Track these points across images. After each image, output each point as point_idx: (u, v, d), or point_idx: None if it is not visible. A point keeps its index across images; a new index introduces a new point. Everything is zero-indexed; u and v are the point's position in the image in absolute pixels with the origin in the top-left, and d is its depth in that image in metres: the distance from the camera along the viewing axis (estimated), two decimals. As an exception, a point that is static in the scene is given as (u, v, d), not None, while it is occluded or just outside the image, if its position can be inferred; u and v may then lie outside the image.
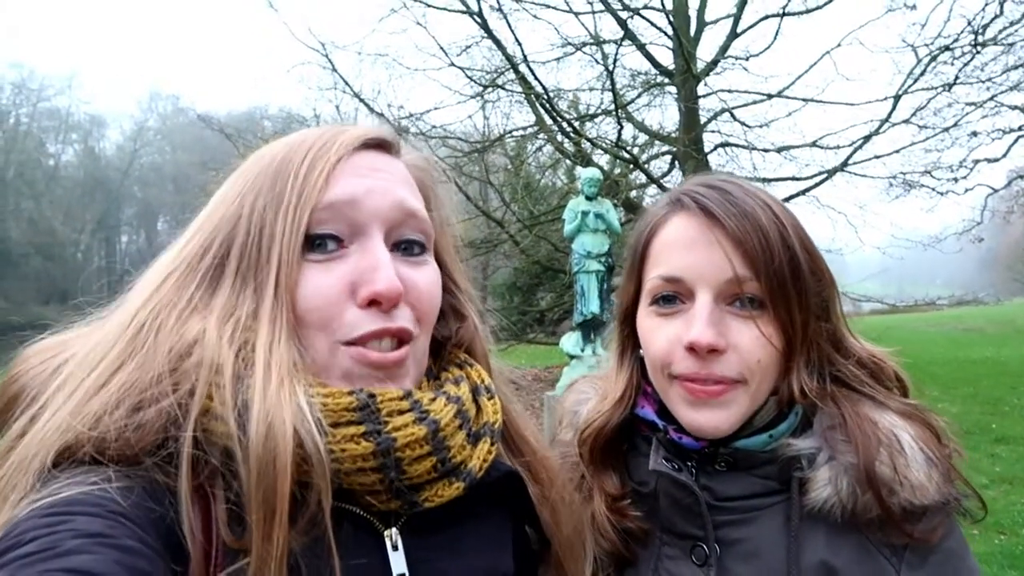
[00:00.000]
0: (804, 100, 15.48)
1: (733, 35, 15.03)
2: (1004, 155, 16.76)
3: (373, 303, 0.89)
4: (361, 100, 14.32)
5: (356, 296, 0.89)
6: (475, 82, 14.61)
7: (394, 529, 0.89)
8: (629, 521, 1.19)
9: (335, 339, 0.89)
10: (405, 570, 0.88)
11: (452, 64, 14.20)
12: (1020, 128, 16.64)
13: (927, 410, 1.17)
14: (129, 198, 64.81)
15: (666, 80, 15.32)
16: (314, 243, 0.90)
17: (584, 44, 15.16)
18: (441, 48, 13.97)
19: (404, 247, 0.96)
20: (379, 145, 1.00)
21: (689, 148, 13.94)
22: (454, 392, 0.96)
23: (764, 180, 15.54)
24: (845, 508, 1.08)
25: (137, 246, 65.20)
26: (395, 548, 0.88)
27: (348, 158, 0.94)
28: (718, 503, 1.16)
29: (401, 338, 0.92)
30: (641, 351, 1.24)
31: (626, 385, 1.28)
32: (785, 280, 1.11)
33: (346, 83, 14.26)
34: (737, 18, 15.00)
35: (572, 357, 9.47)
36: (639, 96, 16.21)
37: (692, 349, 1.11)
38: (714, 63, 15.07)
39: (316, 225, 0.89)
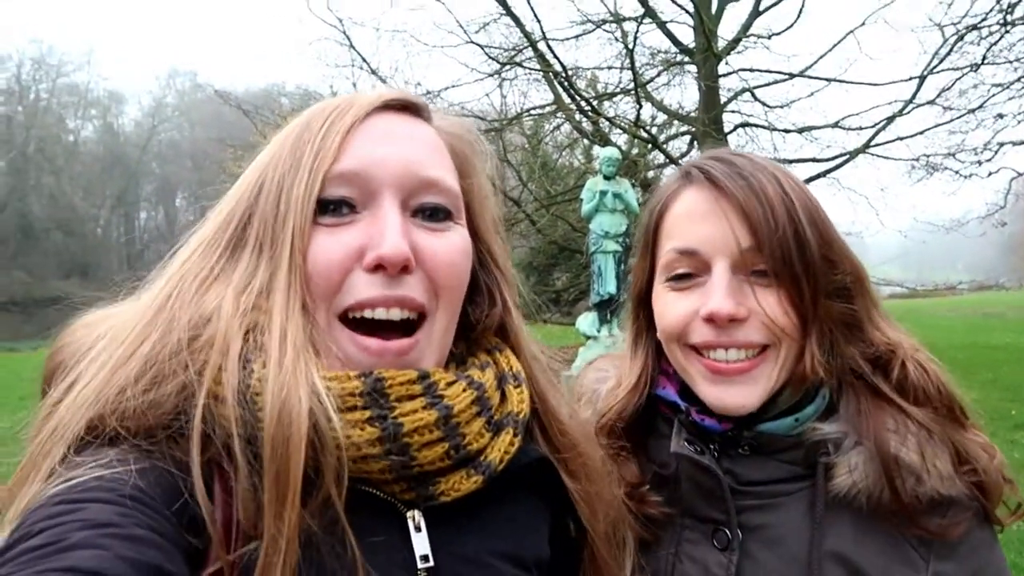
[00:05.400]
0: (827, 80, 15.26)
1: (756, 13, 14.79)
2: (1030, 138, 16.46)
3: (379, 268, 0.85)
4: (378, 77, 14.28)
5: (363, 262, 0.85)
6: (493, 59, 14.53)
7: (417, 511, 0.86)
8: (649, 507, 1.17)
9: (334, 311, 0.86)
10: (428, 551, 0.85)
11: (470, 41, 14.14)
12: (1048, 110, 16.32)
13: (949, 425, 1.12)
14: (148, 174, 65.14)
15: (686, 59, 15.14)
16: (327, 208, 0.87)
17: (604, 21, 15.02)
18: (459, 24, 13.91)
19: (429, 213, 0.92)
20: (403, 108, 0.96)
21: (708, 128, 13.79)
22: (477, 377, 0.92)
23: (785, 161, 15.34)
24: (871, 496, 1.06)
25: (156, 222, 65.69)
26: (418, 529, 0.86)
27: (364, 121, 0.91)
28: (741, 487, 1.14)
29: (414, 309, 0.88)
30: (657, 333, 1.22)
31: (641, 371, 1.26)
32: (790, 252, 1.07)
33: (363, 60, 14.23)
34: (760, -5, 14.76)
35: (588, 337, 9.49)
36: (658, 75, 16.06)
37: (711, 320, 1.09)
38: (735, 41, 14.84)
39: (328, 190, 0.87)
